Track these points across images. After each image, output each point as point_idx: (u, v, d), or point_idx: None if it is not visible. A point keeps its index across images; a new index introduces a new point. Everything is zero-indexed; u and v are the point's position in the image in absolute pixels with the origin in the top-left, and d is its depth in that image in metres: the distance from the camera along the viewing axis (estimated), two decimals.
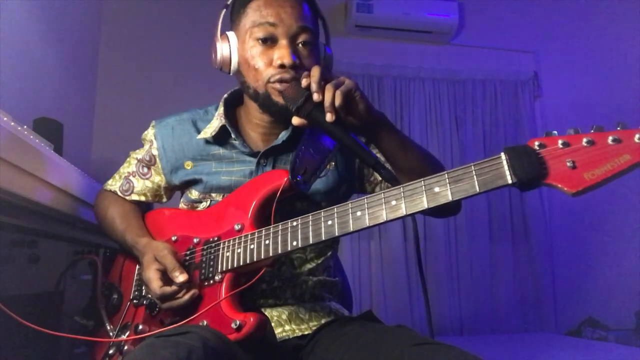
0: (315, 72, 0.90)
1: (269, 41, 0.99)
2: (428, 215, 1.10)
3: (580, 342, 2.65)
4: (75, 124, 2.40)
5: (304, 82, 0.91)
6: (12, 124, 1.01)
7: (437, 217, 1.16)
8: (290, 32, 0.98)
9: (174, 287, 0.90)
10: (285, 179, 0.94)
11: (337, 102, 0.87)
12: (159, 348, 0.71)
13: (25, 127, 1.16)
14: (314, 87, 0.88)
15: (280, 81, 0.97)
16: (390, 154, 0.96)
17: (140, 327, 1.00)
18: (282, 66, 0.97)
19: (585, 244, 3.27)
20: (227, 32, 1.07)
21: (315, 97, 0.88)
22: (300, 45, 1.00)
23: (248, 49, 1.01)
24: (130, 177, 1.17)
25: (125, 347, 1.01)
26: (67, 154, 1.69)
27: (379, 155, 1.04)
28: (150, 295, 1.03)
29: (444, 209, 1.07)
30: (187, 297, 0.91)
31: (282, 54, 0.97)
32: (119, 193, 1.17)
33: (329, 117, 0.87)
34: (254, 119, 1.09)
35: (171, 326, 0.88)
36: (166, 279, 0.91)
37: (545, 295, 3.15)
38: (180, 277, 0.89)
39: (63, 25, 2.27)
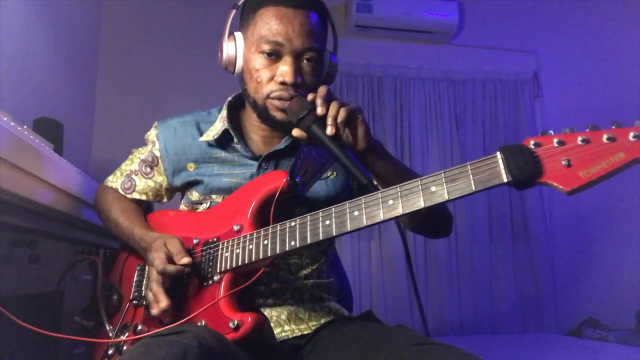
0: (323, 89, 0.92)
1: (273, 56, 0.99)
2: (422, 232, 1.11)
3: (580, 342, 2.65)
4: (75, 124, 2.40)
5: (309, 97, 0.92)
6: (12, 124, 1.02)
7: (429, 235, 1.15)
8: (296, 51, 0.99)
9: (176, 267, 0.90)
10: (284, 179, 0.95)
11: (340, 117, 0.88)
12: (154, 347, 0.71)
13: (25, 127, 1.16)
14: (318, 101, 0.90)
15: (280, 98, 0.99)
16: (385, 180, 0.96)
17: (140, 327, 1.00)
18: (283, 83, 0.98)
19: (585, 244, 3.27)
20: (235, 33, 1.07)
21: (319, 110, 0.89)
22: (304, 61, 1.01)
23: (252, 59, 1.02)
24: (132, 176, 1.17)
25: (125, 348, 1.01)
26: (67, 154, 1.70)
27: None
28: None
29: (436, 226, 1.07)
30: (185, 260, 0.91)
31: (284, 71, 0.98)
32: (120, 190, 1.18)
33: (329, 130, 0.88)
34: (255, 122, 1.10)
35: (169, 326, 0.88)
36: (171, 262, 0.92)
37: (545, 295, 3.16)
38: (184, 260, 0.90)
39: (63, 26, 2.27)
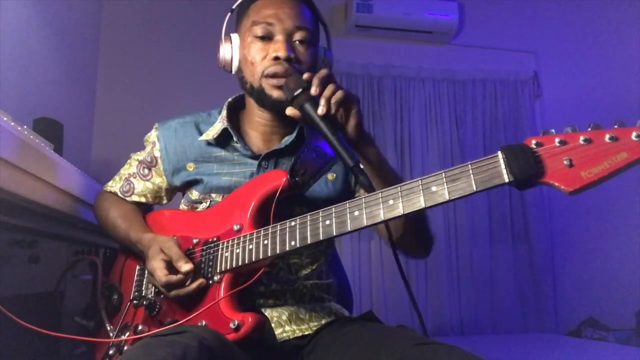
0: (323, 71, 0.92)
1: (266, 38, 1.03)
2: (402, 248, 1.06)
3: (580, 342, 2.65)
4: (75, 124, 2.40)
5: (305, 76, 0.92)
6: (12, 124, 1.02)
7: (407, 252, 1.10)
8: (287, 29, 1.02)
9: (179, 276, 0.90)
10: (284, 178, 0.94)
11: (335, 98, 0.88)
12: (154, 347, 0.71)
13: (25, 127, 1.16)
14: (315, 81, 0.89)
15: (274, 75, 1.00)
16: (371, 175, 0.95)
17: (140, 327, 1.00)
18: (276, 58, 1.00)
19: (585, 244, 3.27)
20: (231, 34, 1.10)
21: (313, 90, 0.89)
22: (296, 42, 1.03)
23: (247, 46, 1.05)
24: (131, 179, 1.17)
25: (125, 348, 1.01)
26: (67, 154, 1.70)
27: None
28: (150, 296, 1.03)
29: (418, 244, 1.06)
30: (194, 285, 0.91)
31: (277, 47, 1.01)
32: (119, 194, 1.17)
33: (320, 109, 0.87)
34: (255, 118, 1.11)
35: (170, 326, 0.88)
36: (171, 268, 0.92)
37: (545, 295, 3.16)
38: (185, 267, 0.90)
39: (63, 26, 2.27)
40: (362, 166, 0.84)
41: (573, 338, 2.85)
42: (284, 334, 0.99)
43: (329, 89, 0.89)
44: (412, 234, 1.01)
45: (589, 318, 3.10)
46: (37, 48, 1.99)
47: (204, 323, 0.89)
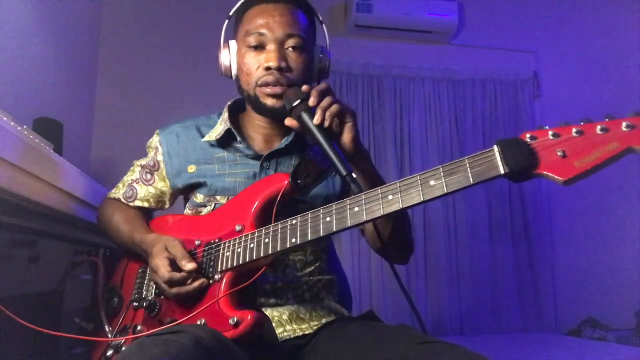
0: (323, 85, 0.95)
1: (259, 47, 1.05)
2: (384, 252, 1.08)
3: (580, 342, 2.65)
4: (75, 124, 2.40)
5: (304, 88, 0.95)
6: (12, 124, 1.02)
7: (389, 257, 1.09)
8: (278, 39, 1.04)
9: (182, 274, 0.91)
10: (286, 182, 0.95)
11: (331, 110, 0.91)
12: (149, 346, 0.71)
13: (25, 127, 1.16)
14: (314, 92, 0.93)
15: (267, 84, 1.03)
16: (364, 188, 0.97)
17: (139, 328, 1.00)
18: (268, 69, 1.02)
19: (585, 243, 3.27)
20: (230, 41, 1.13)
21: (311, 101, 0.92)
22: (289, 49, 1.05)
23: (242, 56, 1.07)
24: (134, 185, 1.18)
25: (124, 349, 1.01)
26: (67, 154, 1.70)
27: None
28: (150, 297, 1.03)
29: (401, 250, 1.08)
30: (196, 284, 0.91)
31: (268, 57, 1.03)
32: (123, 200, 1.19)
33: (316, 118, 0.90)
34: (256, 122, 1.13)
35: (168, 325, 0.88)
36: (175, 267, 0.92)
37: (545, 295, 3.15)
38: (189, 265, 0.91)
39: (63, 25, 2.27)
40: (355, 176, 0.86)
41: (573, 338, 2.85)
42: (285, 334, 0.99)
43: (326, 100, 0.92)
44: (396, 240, 1.04)
45: (589, 318, 3.11)
46: (37, 48, 1.99)
47: (203, 322, 0.89)
